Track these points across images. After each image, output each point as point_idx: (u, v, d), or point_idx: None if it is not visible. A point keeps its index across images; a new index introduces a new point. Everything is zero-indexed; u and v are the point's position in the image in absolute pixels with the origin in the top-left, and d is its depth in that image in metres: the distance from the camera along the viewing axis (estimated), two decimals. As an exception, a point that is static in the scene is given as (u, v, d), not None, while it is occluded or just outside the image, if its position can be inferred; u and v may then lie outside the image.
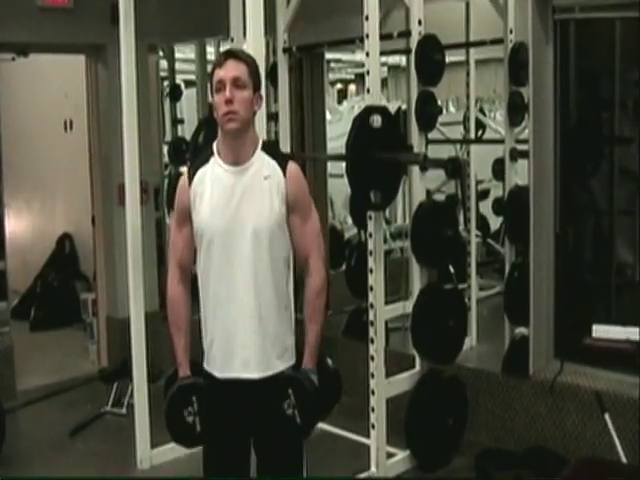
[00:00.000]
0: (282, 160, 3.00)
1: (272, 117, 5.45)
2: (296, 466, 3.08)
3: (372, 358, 4.33)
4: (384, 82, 7.60)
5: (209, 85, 2.95)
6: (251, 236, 2.89)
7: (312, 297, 3.03)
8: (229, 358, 2.95)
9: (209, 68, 6.89)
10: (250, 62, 2.94)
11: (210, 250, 2.93)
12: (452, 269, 5.69)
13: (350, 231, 7.27)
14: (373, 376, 4.34)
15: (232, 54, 2.93)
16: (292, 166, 2.99)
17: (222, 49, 6.67)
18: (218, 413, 2.96)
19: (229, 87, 2.85)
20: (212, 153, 2.98)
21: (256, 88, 2.94)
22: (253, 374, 2.94)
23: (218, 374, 2.98)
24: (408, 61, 4.61)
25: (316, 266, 3.03)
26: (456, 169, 4.37)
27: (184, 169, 3.07)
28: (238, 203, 2.90)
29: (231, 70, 2.87)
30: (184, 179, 3.00)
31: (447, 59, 4.59)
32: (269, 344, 2.96)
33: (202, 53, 7.07)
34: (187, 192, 2.96)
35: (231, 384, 2.96)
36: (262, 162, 2.95)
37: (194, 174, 2.96)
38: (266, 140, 3.07)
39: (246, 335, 2.94)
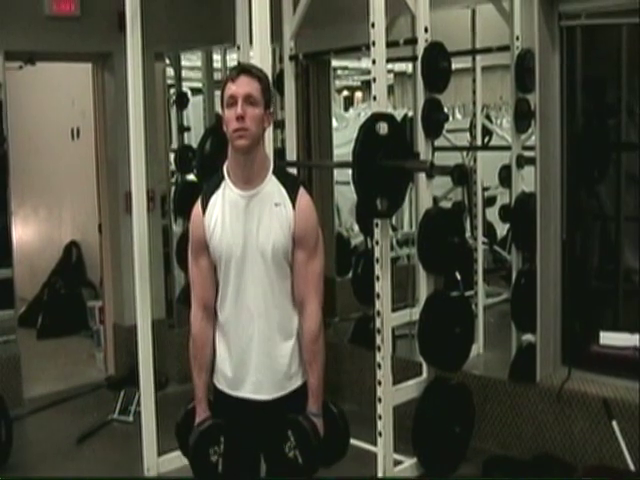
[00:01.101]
0: (292, 190, 2.94)
1: (279, 124, 5.46)
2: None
3: (379, 365, 4.32)
4: (390, 89, 7.59)
5: (221, 97, 2.92)
6: (263, 260, 2.90)
7: (309, 343, 2.98)
8: (241, 379, 2.97)
9: (216, 76, 7.00)
10: (263, 78, 2.92)
11: (227, 272, 2.93)
12: (459, 276, 5.68)
13: (356, 238, 7.26)
14: (380, 383, 4.33)
15: (245, 70, 2.91)
16: (302, 199, 2.93)
17: (229, 57, 6.69)
18: (237, 440, 3.00)
19: (241, 103, 2.83)
20: (222, 177, 2.95)
21: (267, 105, 2.91)
22: (264, 396, 2.97)
23: (229, 391, 3.00)
24: (414, 68, 4.62)
25: (313, 311, 2.97)
26: (462, 176, 4.36)
27: (197, 203, 3.01)
28: (251, 227, 2.89)
29: (244, 86, 2.85)
30: (197, 209, 2.97)
31: (453, 66, 4.59)
32: (279, 366, 2.97)
33: (209, 61, 7.08)
34: (202, 222, 2.94)
35: (241, 402, 2.99)
36: (273, 187, 2.92)
37: (207, 202, 2.95)
38: (275, 167, 3.02)
39: (258, 358, 2.95)
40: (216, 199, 2.93)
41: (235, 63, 5.23)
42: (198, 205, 2.97)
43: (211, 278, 2.98)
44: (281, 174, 2.99)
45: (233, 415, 3.00)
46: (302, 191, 2.95)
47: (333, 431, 3.07)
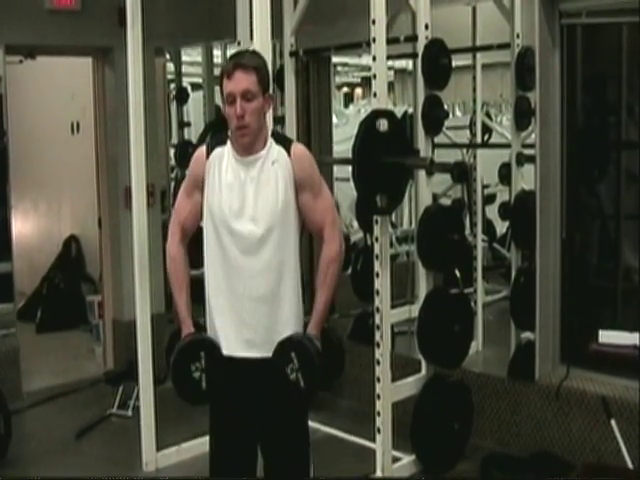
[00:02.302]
0: (287, 143, 3.08)
1: (279, 120, 5.46)
2: (301, 446, 3.14)
3: (378, 362, 4.33)
4: (391, 86, 7.59)
5: (220, 88, 3.00)
6: (261, 221, 2.96)
7: (324, 264, 3.09)
8: (233, 338, 3.01)
9: (216, 71, 7.00)
10: (258, 67, 2.98)
11: (219, 232, 3.00)
12: (458, 273, 5.69)
13: (356, 235, 7.26)
14: (379, 380, 4.34)
15: (239, 64, 2.95)
16: (297, 146, 3.08)
17: (229, 52, 6.68)
18: (223, 377, 3.02)
19: (239, 101, 2.92)
20: (228, 138, 3.05)
21: (265, 90, 2.99)
22: (257, 354, 3.01)
23: (223, 351, 3.03)
24: (415, 65, 4.62)
25: (331, 235, 3.06)
26: (462, 173, 4.37)
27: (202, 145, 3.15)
28: (247, 190, 2.97)
29: (240, 83, 2.92)
30: (202, 150, 3.08)
31: (454, 63, 4.59)
32: (276, 326, 3.01)
33: (209, 56, 7.08)
34: (204, 163, 3.05)
35: (234, 361, 3.02)
36: (270, 149, 3.02)
37: (212, 149, 3.05)
38: (274, 129, 3.13)
39: (253, 317, 2.99)
40: (222, 153, 3.03)
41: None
42: (203, 148, 3.09)
43: (197, 212, 3.09)
44: (279, 136, 3.13)
45: (226, 372, 3.02)
46: (296, 143, 3.11)
47: (330, 355, 3.11)
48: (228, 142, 3.05)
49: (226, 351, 3.03)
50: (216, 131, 4.58)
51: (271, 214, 2.97)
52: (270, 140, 3.04)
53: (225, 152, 3.03)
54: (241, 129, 2.93)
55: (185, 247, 3.16)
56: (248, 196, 2.97)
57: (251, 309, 3.00)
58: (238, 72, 2.92)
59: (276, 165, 3.00)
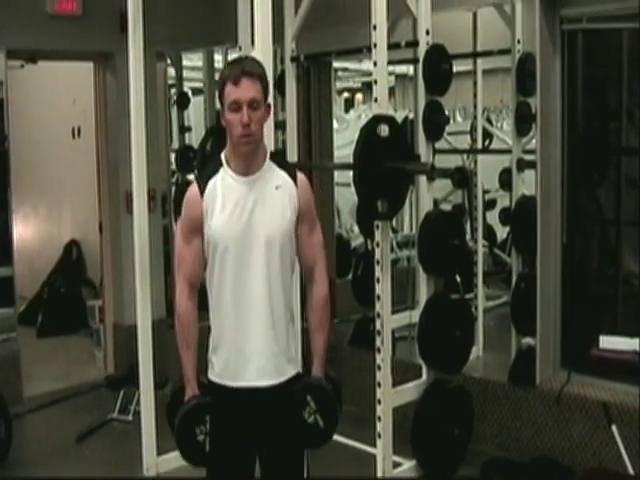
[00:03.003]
0: (292, 170, 3.04)
1: (279, 126, 5.46)
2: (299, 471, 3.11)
3: (379, 367, 4.33)
4: (391, 91, 7.60)
5: (219, 94, 2.92)
6: (265, 245, 2.91)
7: (319, 306, 3.07)
8: (244, 366, 2.95)
9: (217, 76, 6.98)
10: (263, 76, 2.93)
11: (225, 259, 2.92)
12: (459, 279, 5.69)
13: (357, 240, 7.26)
14: (379, 385, 4.34)
15: (246, 72, 2.88)
16: (302, 176, 3.04)
17: (230, 57, 6.68)
18: (228, 429, 2.99)
19: (246, 110, 2.84)
20: (221, 164, 2.96)
21: (266, 99, 2.95)
22: (268, 382, 2.96)
23: (231, 383, 2.97)
24: (416, 70, 4.62)
25: (322, 275, 3.07)
26: (463, 179, 4.38)
27: (192, 179, 3.04)
28: (251, 212, 2.90)
29: (248, 91, 2.85)
30: (194, 190, 2.95)
31: (454, 69, 4.60)
32: (281, 351, 2.97)
33: (210, 61, 7.08)
34: (199, 203, 2.92)
35: (245, 392, 2.96)
36: (272, 172, 2.97)
37: (205, 185, 2.94)
38: (273, 150, 3.08)
39: (261, 343, 2.94)
40: (215, 184, 2.93)
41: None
42: (195, 187, 2.95)
43: (201, 259, 2.98)
44: (278, 159, 3.07)
45: (232, 406, 2.98)
46: (299, 172, 3.07)
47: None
48: (221, 168, 2.95)
49: (233, 383, 2.97)
50: (217, 136, 4.58)
51: (278, 240, 2.92)
52: (269, 161, 2.98)
53: (219, 180, 2.93)
54: (247, 137, 2.86)
55: (195, 302, 3.02)
56: (253, 221, 2.90)
57: (257, 336, 2.95)
58: (245, 79, 2.85)
59: (281, 191, 2.94)
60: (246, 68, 2.91)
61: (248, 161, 2.94)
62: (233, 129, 2.87)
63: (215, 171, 2.96)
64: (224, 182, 2.93)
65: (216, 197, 2.92)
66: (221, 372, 2.99)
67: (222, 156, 2.98)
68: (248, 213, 2.90)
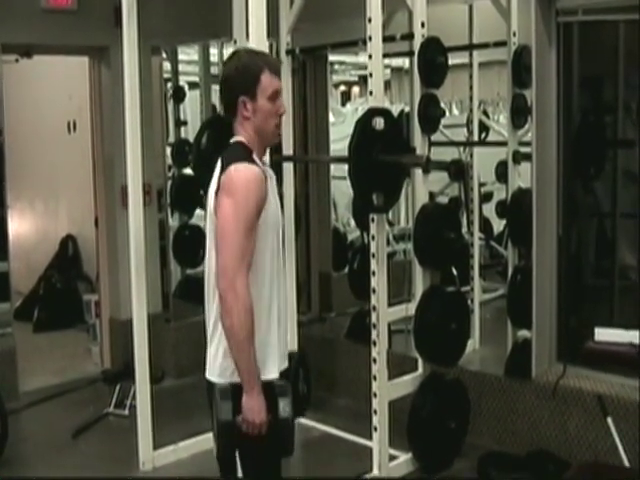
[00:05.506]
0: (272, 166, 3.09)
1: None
2: None
3: (374, 360, 4.33)
4: (387, 84, 7.59)
5: (254, 82, 2.82)
6: (281, 231, 2.95)
7: None
8: (284, 352, 2.94)
9: (212, 70, 6.97)
10: None
11: (273, 245, 2.86)
12: (455, 272, 5.69)
13: (353, 233, 7.27)
14: (375, 378, 4.34)
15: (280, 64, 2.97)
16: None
17: (225, 51, 6.67)
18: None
19: (282, 100, 2.89)
20: (250, 151, 2.84)
21: None
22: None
23: (276, 375, 2.87)
24: (411, 63, 4.62)
25: None
26: (459, 171, 4.38)
27: (247, 166, 2.76)
28: (277, 199, 2.92)
29: (280, 82, 2.91)
30: (258, 170, 2.76)
31: (450, 61, 4.60)
32: None
33: (206, 55, 7.07)
34: (264, 184, 2.77)
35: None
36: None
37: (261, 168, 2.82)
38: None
39: (285, 333, 2.98)
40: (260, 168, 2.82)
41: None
42: (256, 170, 2.76)
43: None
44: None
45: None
46: None
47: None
48: (252, 155, 2.84)
49: (282, 367, 2.91)
50: (213, 130, 4.58)
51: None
52: None
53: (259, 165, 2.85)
54: (279, 127, 2.89)
55: None
56: (279, 205, 2.92)
57: (285, 326, 2.97)
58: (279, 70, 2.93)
59: (273, 180, 2.94)
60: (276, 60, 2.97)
61: (265, 151, 2.96)
62: (269, 119, 2.85)
63: (251, 157, 2.83)
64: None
65: (268, 182, 2.83)
66: (273, 365, 2.86)
67: (245, 144, 2.87)
68: (277, 200, 2.91)
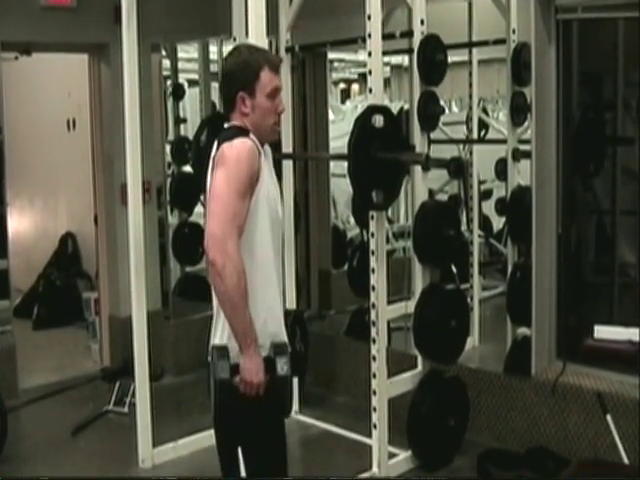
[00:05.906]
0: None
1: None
2: None
3: (374, 358, 4.33)
4: (387, 82, 7.59)
5: (252, 79, 2.83)
6: (281, 210, 2.95)
7: None
8: (280, 327, 2.93)
9: (212, 67, 6.96)
10: None
11: (273, 222, 2.87)
12: (454, 269, 5.69)
13: (352, 231, 7.27)
14: (375, 376, 4.34)
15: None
16: None
17: (225, 49, 6.67)
18: None
19: (281, 99, 2.90)
20: (247, 131, 2.85)
21: None
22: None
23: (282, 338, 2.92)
24: (410, 61, 4.62)
25: None
26: (459, 169, 4.38)
27: (241, 140, 2.78)
28: (275, 178, 2.94)
29: (280, 79, 2.92)
30: (252, 144, 2.78)
31: (450, 59, 4.59)
32: None
33: (205, 52, 7.08)
34: (258, 158, 2.79)
35: None
36: None
37: (254, 142, 2.82)
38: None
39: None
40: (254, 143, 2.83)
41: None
42: (249, 143, 2.78)
43: (246, 214, 2.80)
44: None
45: None
46: None
47: None
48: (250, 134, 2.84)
49: (284, 338, 2.91)
50: (212, 128, 4.57)
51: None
52: None
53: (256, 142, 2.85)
54: (278, 125, 2.92)
55: None
56: (277, 183, 2.95)
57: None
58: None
59: (269, 157, 2.98)
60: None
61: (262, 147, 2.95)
62: (268, 116, 2.87)
63: (247, 134, 2.83)
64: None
65: (262, 158, 2.84)
66: (270, 339, 2.85)
67: (241, 126, 2.87)
68: (275, 178, 2.93)
